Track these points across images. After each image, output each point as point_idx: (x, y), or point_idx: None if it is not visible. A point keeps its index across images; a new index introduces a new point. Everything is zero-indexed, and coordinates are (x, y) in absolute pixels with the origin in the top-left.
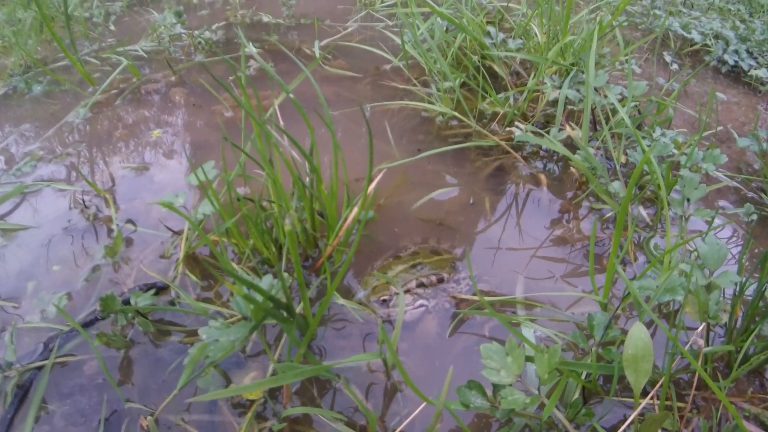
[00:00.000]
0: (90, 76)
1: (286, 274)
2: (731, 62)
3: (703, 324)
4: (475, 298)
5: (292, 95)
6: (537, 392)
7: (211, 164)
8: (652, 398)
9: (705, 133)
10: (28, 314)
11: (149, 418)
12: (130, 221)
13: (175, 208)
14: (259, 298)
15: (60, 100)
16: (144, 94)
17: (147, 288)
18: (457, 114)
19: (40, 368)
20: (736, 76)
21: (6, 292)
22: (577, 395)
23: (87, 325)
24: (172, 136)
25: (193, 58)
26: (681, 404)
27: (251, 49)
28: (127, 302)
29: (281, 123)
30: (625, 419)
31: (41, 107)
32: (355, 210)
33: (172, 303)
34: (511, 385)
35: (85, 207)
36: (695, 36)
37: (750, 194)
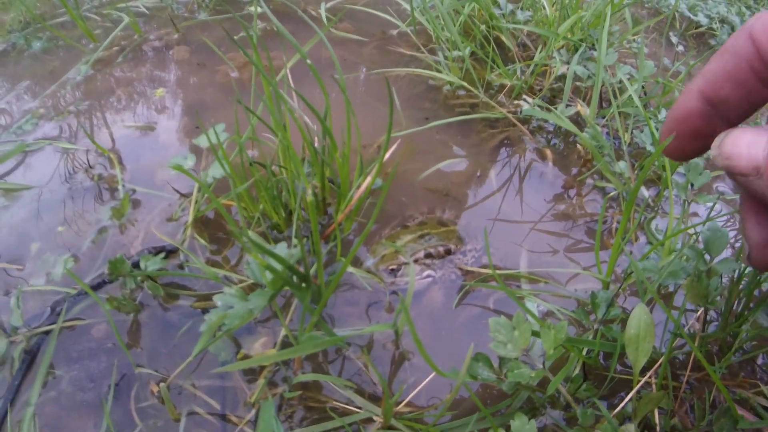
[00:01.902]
0: (91, 32)
1: (298, 243)
2: None
3: (702, 309)
4: (481, 270)
5: (309, 61)
6: (542, 366)
7: (222, 126)
8: (649, 377)
9: None
10: (32, 277)
11: (162, 384)
12: (133, 186)
13: (187, 171)
14: (278, 266)
15: (60, 56)
16: (146, 52)
17: (156, 251)
18: (465, 84)
19: (47, 332)
20: None
21: (9, 254)
22: (577, 371)
23: (95, 288)
24: (176, 95)
25: (196, 16)
26: (675, 383)
27: (263, 6)
28: (135, 265)
29: (293, 86)
30: (622, 397)
31: (41, 64)
32: (368, 179)
33: (180, 266)
34: (517, 358)
35: (90, 167)
36: (701, 19)
37: None
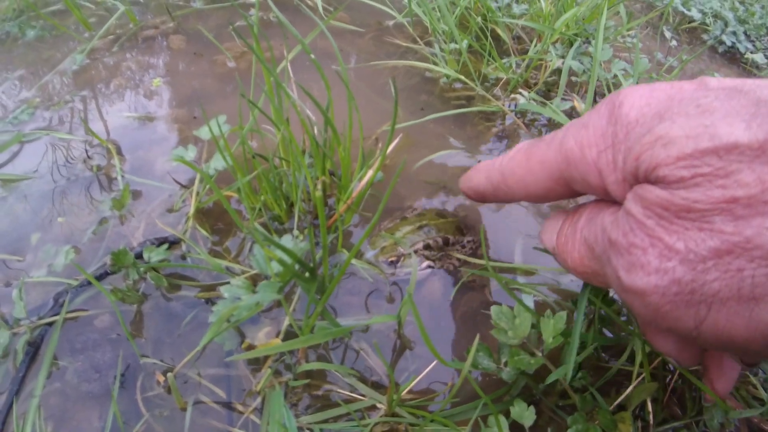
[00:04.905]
0: (86, 21)
1: (299, 234)
2: (728, 43)
3: None
4: (479, 261)
5: (312, 56)
6: (540, 354)
7: (224, 118)
8: (642, 367)
9: None
10: (33, 268)
11: (169, 374)
12: (133, 177)
13: (189, 163)
14: (287, 259)
15: (54, 45)
16: (142, 41)
17: (159, 242)
18: (461, 77)
19: (50, 324)
20: (731, 56)
21: (9, 245)
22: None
23: (97, 279)
24: (174, 85)
25: (192, 5)
26: (666, 373)
27: None
28: (138, 256)
29: (293, 77)
30: (613, 385)
31: (35, 53)
32: (370, 172)
33: (183, 257)
34: (517, 346)
35: (88, 157)
36: (695, 14)
37: None
